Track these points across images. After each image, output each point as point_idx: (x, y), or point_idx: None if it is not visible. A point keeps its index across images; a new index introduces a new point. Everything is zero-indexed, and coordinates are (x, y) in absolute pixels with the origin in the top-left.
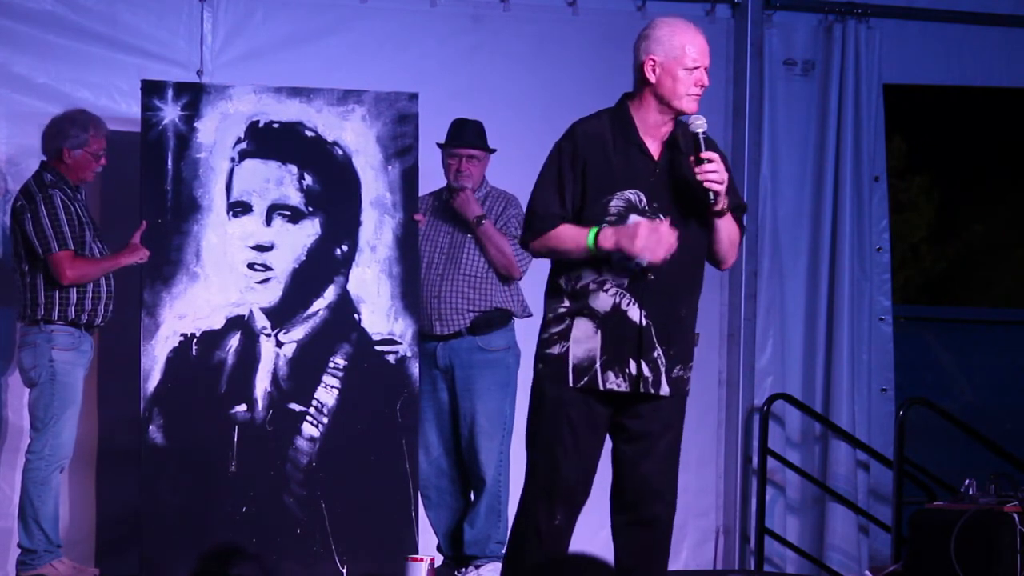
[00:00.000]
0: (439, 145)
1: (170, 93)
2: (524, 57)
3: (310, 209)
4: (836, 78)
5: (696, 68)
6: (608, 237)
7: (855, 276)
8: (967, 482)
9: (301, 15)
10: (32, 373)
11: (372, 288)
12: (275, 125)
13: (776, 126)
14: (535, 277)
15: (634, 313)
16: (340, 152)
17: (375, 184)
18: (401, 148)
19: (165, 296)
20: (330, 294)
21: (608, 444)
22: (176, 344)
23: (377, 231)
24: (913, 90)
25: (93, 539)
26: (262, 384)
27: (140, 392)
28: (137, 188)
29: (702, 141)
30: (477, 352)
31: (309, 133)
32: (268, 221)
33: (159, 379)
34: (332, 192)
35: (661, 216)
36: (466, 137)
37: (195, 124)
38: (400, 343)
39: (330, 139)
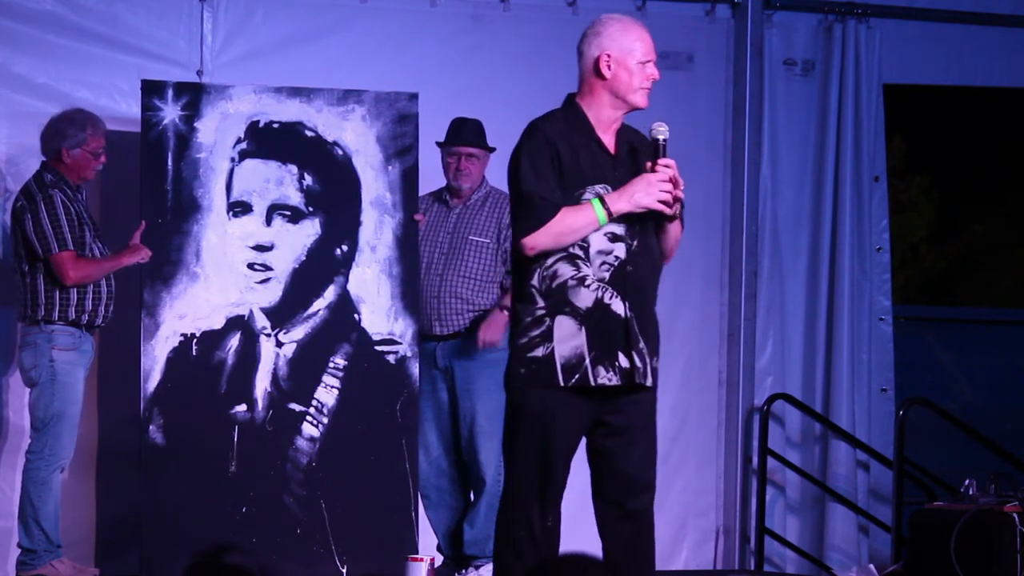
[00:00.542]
0: (438, 144)
1: (170, 93)
2: (524, 57)
3: (310, 209)
4: (836, 78)
5: (647, 62)
6: (616, 201)
7: (855, 276)
8: (967, 482)
9: (301, 15)
10: (32, 373)
11: (372, 288)
12: (275, 125)
13: (776, 126)
14: None
15: (618, 306)
16: (340, 152)
17: (375, 184)
18: (401, 148)
19: (165, 296)
20: (330, 294)
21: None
22: (176, 344)
23: (377, 231)
24: (913, 90)
25: (93, 539)
26: (262, 384)
27: (140, 392)
28: (137, 188)
29: (662, 148)
30: (477, 352)
31: (309, 133)
32: (268, 221)
33: (159, 379)
34: (332, 192)
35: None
36: (465, 136)
37: (195, 124)
38: (400, 343)
39: (330, 139)
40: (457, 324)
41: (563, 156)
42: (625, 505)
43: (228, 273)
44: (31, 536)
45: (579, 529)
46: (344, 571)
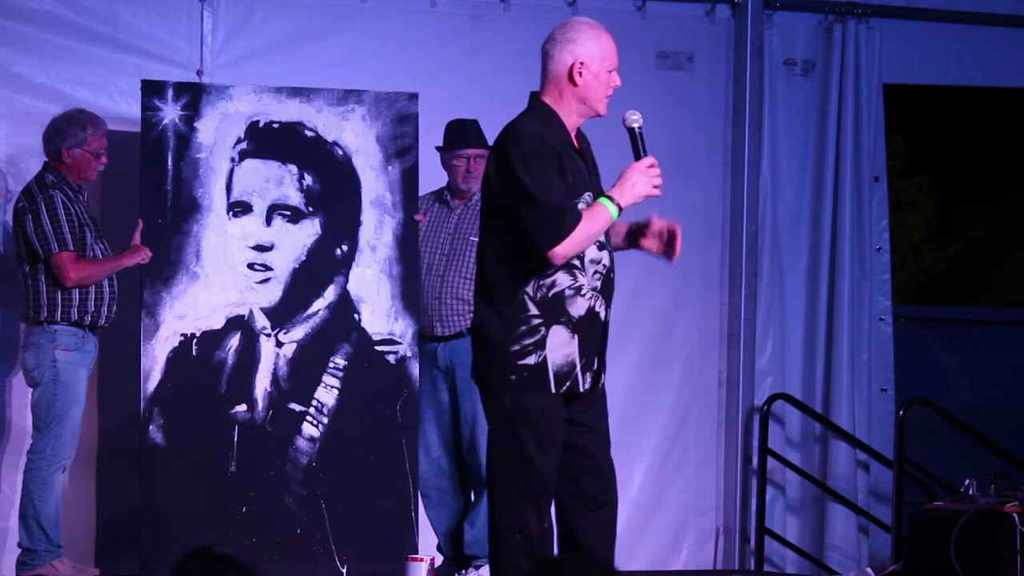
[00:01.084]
0: (442, 148)
1: (170, 93)
2: (524, 57)
3: (310, 209)
4: (836, 78)
5: (613, 71)
6: (621, 196)
7: (855, 276)
8: (967, 482)
9: (301, 15)
10: (35, 373)
11: (372, 288)
12: (275, 125)
13: (776, 126)
14: None
15: (602, 313)
16: (340, 152)
17: (375, 184)
18: (401, 148)
19: (165, 296)
20: (330, 294)
21: None
22: (176, 344)
23: (377, 231)
24: (913, 90)
25: (93, 539)
26: (262, 384)
27: (140, 392)
28: (137, 188)
29: (640, 136)
30: None
31: (309, 133)
32: (268, 221)
33: (159, 379)
34: (332, 192)
35: None
36: (471, 138)
37: (195, 124)
38: (400, 343)
39: (330, 139)
40: (458, 324)
41: (564, 162)
42: (601, 497)
43: (228, 273)
44: (31, 536)
45: None
46: (344, 571)
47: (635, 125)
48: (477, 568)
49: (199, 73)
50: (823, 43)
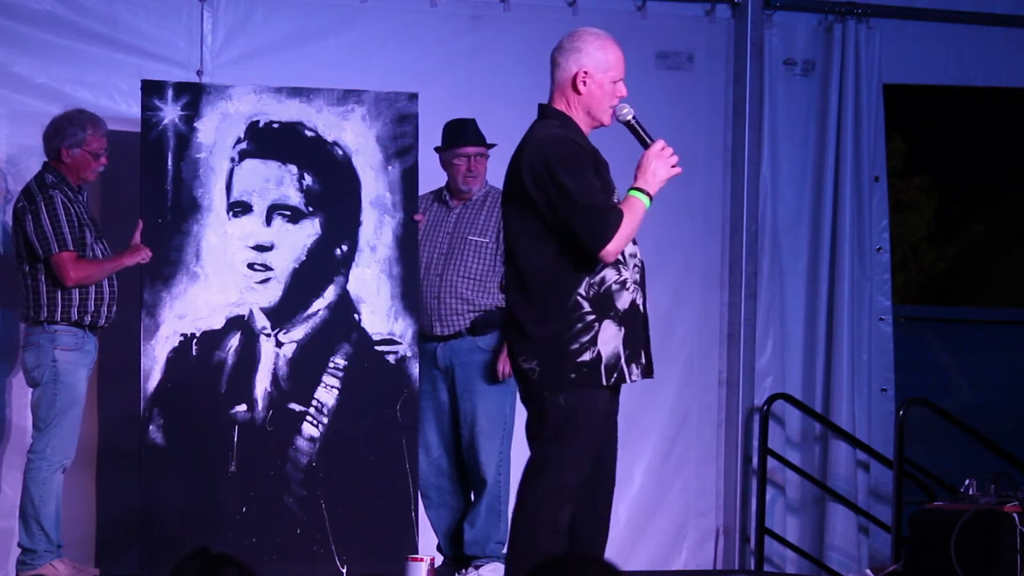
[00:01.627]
0: (441, 148)
1: (170, 93)
2: (524, 57)
3: (310, 209)
4: (836, 78)
5: (619, 81)
6: (647, 184)
7: (855, 276)
8: (967, 482)
9: (301, 15)
10: (35, 373)
11: (372, 288)
12: (275, 125)
13: (776, 126)
14: None
15: (641, 305)
16: (340, 152)
17: (375, 184)
18: (401, 148)
19: (165, 296)
20: (330, 294)
21: None
22: (176, 344)
23: (377, 231)
24: (913, 90)
25: (93, 539)
26: (262, 384)
27: (140, 392)
28: (137, 188)
29: (639, 124)
30: (477, 352)
31: (309, 133)
32: (268, 221)
33: (159, 379)
34: (332, 192)
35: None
36: (471, 136)
37: (195, 124)
38: (400, 343)
39: (330, 139)
40: (458, 324)
41: (599, 167)
42: (608, 492)
43: (228, 273)
44: (31, 536)
45: None
46: (344, 571)
47: (629, 117)
48: (477, 568)
49: (199, 73)
50: (823, 43)
